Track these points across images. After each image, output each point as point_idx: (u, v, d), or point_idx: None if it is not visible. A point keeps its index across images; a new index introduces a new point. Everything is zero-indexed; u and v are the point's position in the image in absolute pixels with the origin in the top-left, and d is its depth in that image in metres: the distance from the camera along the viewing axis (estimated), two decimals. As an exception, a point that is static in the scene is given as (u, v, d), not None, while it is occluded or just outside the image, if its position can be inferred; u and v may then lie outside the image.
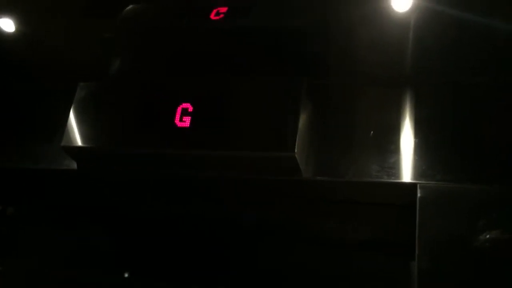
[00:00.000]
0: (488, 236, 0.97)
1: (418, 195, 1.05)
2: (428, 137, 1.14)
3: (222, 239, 1.34)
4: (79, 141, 1.25)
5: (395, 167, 1.12)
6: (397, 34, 1.21)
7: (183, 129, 1.17)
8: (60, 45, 1.45)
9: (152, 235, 1.40)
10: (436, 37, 1.20)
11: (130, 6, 1.42)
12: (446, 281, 0.97)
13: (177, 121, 1.19)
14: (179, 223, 1.40)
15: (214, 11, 1.31)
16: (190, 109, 1.19)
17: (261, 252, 1.30)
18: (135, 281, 1.35)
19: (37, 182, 1.46)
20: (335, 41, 1.27)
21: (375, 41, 1.23)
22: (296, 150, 1.08)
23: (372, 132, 1.18)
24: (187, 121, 1.17)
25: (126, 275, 1.39)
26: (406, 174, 1.10)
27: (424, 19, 1.18)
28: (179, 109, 1.20)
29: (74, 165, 1.32)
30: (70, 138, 1.26)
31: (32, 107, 1.52)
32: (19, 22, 1.46)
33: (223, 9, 1.31)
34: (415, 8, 1.17)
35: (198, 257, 1.33)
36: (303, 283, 1.21)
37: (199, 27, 1.33)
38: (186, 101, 1.20)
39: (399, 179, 1.10)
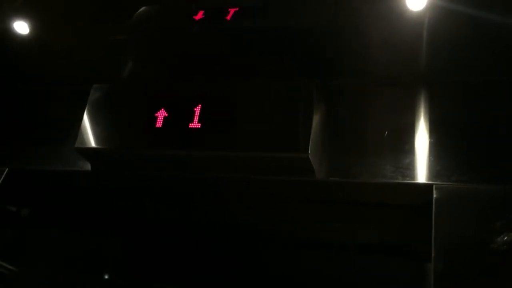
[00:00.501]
0: (505, 238, 0.96)
1: (434, 196, 1.04)
2: (443, 137, 1.13)
3: (231, 242, 1.34)
4: (92, 143, 1.26)
5: (410, 168, 1.11)
6: (410, 33, 1.20)
7: (196, 130, 1.17)
8: (74, 48, 1.46)
9: (165, 239, 1.41)
10: (449, 36, 1.19)
11: (142, 8, 1.43)
12: (463, 283, 0.95)
13: (190, 122, 1.19)
14: (191, 227, 1.40)
15: (226, 12, 1.31)
16: (202, 110, 1.19)
17: (273, 255, 1.29)
18: (143, 285, 1.35)
19: (51, 184, 1.47)
20: (348, 41, 1.27)
21: (388, 40, 1.22)
22: (309, 151, 1.08)
23: (386, 132, 1.17)
24: (200, 123, 1.17)
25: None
26: (421, 175, 1.09)
27: (438, 18, 1.17)
28: (192, 111, 1.20)
29: (88, 166, 1.33)
30: (84, 140, 1.26)
31: (47, 110, 1.53)
32: (34, 25, 1.47)
33: (235, 10, 1.31)
34: (428, 7, 1.16)
35: (209, 261, 1.33)
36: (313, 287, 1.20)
37: (211, 29, 1.33)
38: (198, 103, 1.20)
39: (414, 180, 1.09)
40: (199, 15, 1.34)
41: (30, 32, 1.47)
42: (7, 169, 1.40)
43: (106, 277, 1.42)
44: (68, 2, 1.46)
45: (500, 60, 1.18)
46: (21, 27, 1.46)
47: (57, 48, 1.48)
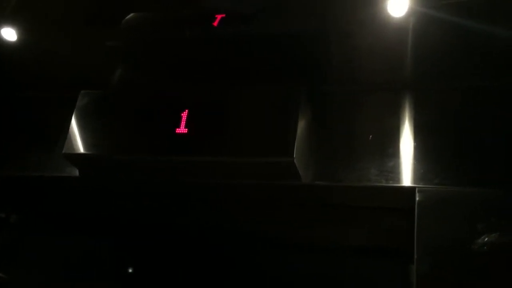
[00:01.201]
0: (486, 240, 0.97)
1: (417, 199, 1.05)
2: (427, 141, 1.15)
3: (221, 246, 1.35)
4: (80, 148, 1.26)
5: (394, 171, 1.12)
6: (396, 39, 1.22)
7: (182, 135, 1.18)
8: (62, 54, 1.47)
9: (152, 243, 1.41)
10: (434, 41, 1.20)
11: (131, 15, 1.44)
12: (445, 285, 0.97)
13: (177, 128, 1.20)
14: (179, 230, 1.41)
15: (213, 18, 1.33)
16: (190, 116, 1.20)
17: (259, 259, 1.30)
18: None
19: (39, 190, 1.47)
20: (334, 48, 1.28)
21: (374, 46, 1.24)
22: (295, 155, 1.09)
23: (370, 136, 1.19)
24: (186, 128, 1.18)
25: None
26: (405, 178, 1.11)
27: (422, 24, 1.19)
28: (179, 116, 1.21)
29: (76, 172, 1.33)
30: (72, 146, 1.27)
31: (34, 115, 1.53)
32: (22, 31, 1.47)
33: (222, 16, 1.32)
34: (412, 13, 1.18)
35: (197, 265, 1.33)
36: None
37: (199, 36, 1.34)
38: (185, 108, 1.21)
39: (398, 183, 1.11)
40: (187, 22, 1.36)
41: (19, 38, 1.48)
42: (-5, 176, 1.40)
43: (96, 282, 1.43)
44: (57, 9, 1.47)
45: (484, 66, 1.21)
46: (10, 33, 1.47)
47: (46, 54, 1.49)
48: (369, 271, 1.17)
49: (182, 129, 1.19)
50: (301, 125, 1.14)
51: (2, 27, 1.47)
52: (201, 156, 1.17)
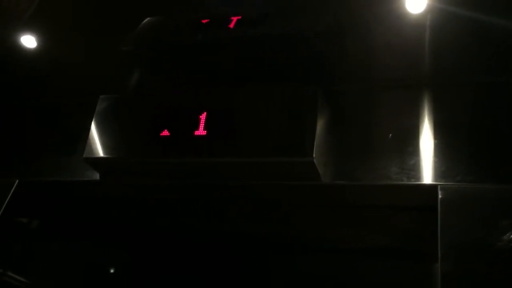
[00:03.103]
0: (511, 237, 0.95)
1: (439, 196, 1.04)
2: (447, 138, 1.13)
3: (242, 249, 1.35)
4: (100, 152, 1.28)
5: (415, 169, 1.11)
6: (413, 35, 1.20)
7: (201, 138, 1.19)
8: (81, 60, 1.48)
9: (174, 248, 1.41)
10: (452, 37, 1.19)
11: (146, 20, 1.45)
12: (471, 284, 0.95)
13: (195, 130, 1.20)
14: (199, 236, 1.41)
15: (229, 20, 1.33)
16: (207, 118, 1.21)
17: (280, 261, 1.30)
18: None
19: (61, 194, 1.49)
20: (351, 46, 1.27)
21: (391, 43, 1.23)
22: (314, 155, 1.08)
23: (390, 134, 1.18)
24: (205, 130, 1.19)
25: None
26: (426, 176, 1.10)
27: (440, 19, 1.17)
28: (197, 119, 1.21)
29: (96, 176, 1.35)
30: (92, 150, 1.28)
31: (55, 121, 1.55)
32: (41, 38, 1.49)
33: (237, 18, 1.32)
34: (430, 9, 1.17)
35: (218, 269, 1.33)
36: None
37: (215, 38, 1.34)
38: (203, 111, 1.22)
39: (419, 181, 1.09)
40: (202, 25, 1.36)
41: (38, 45, 1.50)
42: (17, 180, 1.42)
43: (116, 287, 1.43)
44: (75, 15, 1.49)
45: (503, 61, 1.18)
46: (29, 41, 1.49)
47: (64, 61, 1.51)
48: (391, 272, 1.15)
49: (201, 131, 1.19)
50: (320, 125, 1.14)
51: (22, 35, 1.49)
52: (221, 157, 1.17)
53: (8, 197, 1.38)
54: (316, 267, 1.24)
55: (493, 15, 1.14)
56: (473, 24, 1.15)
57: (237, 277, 1.31)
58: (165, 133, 1.24)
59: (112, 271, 1.47)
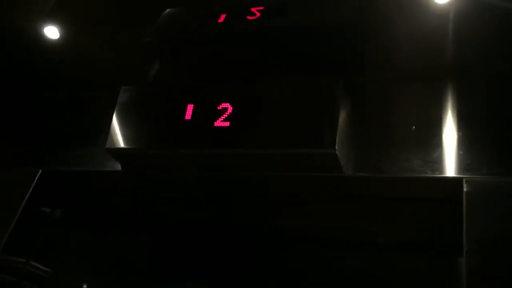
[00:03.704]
0: (538, 231, 0.94)
1: (464, 189, 1.02)
2: (472, 130, 1.12)
3: (263, 241, 1.35)
4: (122, 143, 1.28)
5: (439, 162, 1.09)
6: (436, 25, 1.19)
7: (222, 129, 1.19)
8: (102, 51, 1.50)
9: (194, 239, 1.42)
10: (477, 27, 1.17)
11: (167, 11, 1.45)
12: (497, 277, 0.94)
13: (216, 121, 1.20)
14: (221, 227, 1.41)
15: (249, 11, 1.32)
16: (229, 109, 1.20)
17: (301, 253, 1.29)
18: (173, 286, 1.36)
19: (82, 184, 1.50)
20: (373, 36, 1.26)
21: (414, 33, 1.21)
22: (336, 147, 1.07)
23: (413, 127, 1.16)
24: (228, 122, 1.19)
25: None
26: (451, 169, 1.08)
27: (464, 8, 1.15)
28: (218, 110, 1.21)
29: (118, 167, 1.36)
30: (114, 141, 1.29)
31: (78, 112, 1.56)
32: (64, 29, 1.51)
33: (259, 9, 1.32)
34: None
35: (237, 260, 1.33)
36: (344, 286, 1.19)
37: (235, 30, 1.34)
38: (225, 102, 1.21)
39: (444, 173, 1.08)
40: (223, 16, 1.36)
41: (61, 37, 1.51)
42: (40, 170, 1.43)
43: (138, 277, 1.45)
44: (96, 7, 1.50)
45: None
46: (52, 32, 1.50)
47: (86, 52, 1.52)
48: (415, 266, 1.14)
49: (222, 123, 1.19)
50: (342, 116, 1.13)
51: (44, 26, 1.50)
52: (243, 149, 1.16)
53: (32, 187, 1.39)
54: (338, 260, 1.24)
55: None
56: (498, 13, 1.13)
57: (257, 268, 1.32)
58: (186, 124, 1.23)
59: (133, 261, 1.48)
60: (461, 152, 1.09)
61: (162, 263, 1.44)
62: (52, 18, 1.49)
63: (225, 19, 1.35)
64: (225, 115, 1.20)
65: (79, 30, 1.50)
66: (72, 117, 1.56)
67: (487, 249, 0.95)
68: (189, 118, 1.23)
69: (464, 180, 1.04)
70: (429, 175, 1.08)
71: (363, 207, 1.24)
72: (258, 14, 1.32)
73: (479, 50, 1.18)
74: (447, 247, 1.10)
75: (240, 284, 1.31)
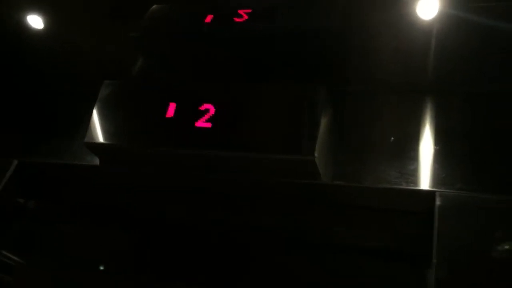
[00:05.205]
0: (506, 247, 0.96)
1: (437, 203, 1.05)
2: (449, 145, 1.14)
3: (238, 242, 1.35)
4: (101, 138, 1.28)
5: (414, 174, 1.12)
6: (420, 41, 1.21)
7: (203, 129, 1.19)
8: (86, 43, 1.48)
9: (171, 236, 1.42)
10: (459, 45, 1.19)
11: (154, 7, 1.44)
12: (463, 290, 0.96)
13: (197, 122, 1.20)
14: (197, 225, 1.41)
15: (236, 14, 1.32)
16: (211, 110, 1.21)
17: (276, 256, 1.30)
18: (147, 281, 1.36)
19: (59, 177, 1.49)
20: (357, 47, 1.28)
21: (397, 48, 1.23)
22: (316, 154, 1.09)
23: (392, 138, 1.18)
24: (210, 123, 1.19)
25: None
26: (425, 182, 1.11)
27: (447, 27, 1.18)
28: (201, 111, 1.21)
29: (96, 161, 1.35)
30: (93, 135, 1.28)
31: (58, 104, 1.55)
32: (46, 22, 1.49)
33: (246, 11, 1.32)
34: (438, 16, 1.17)
35: (214, 260, 1.34)
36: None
37: (222, 31, 1.34)
38: (207, 103, 1.21)
39: (418, 186, 1.10)
40: (210, 16, 1.36)
41: (43, 28, 1.49)
42: (16, 161, 1.42)
43: (112, 271, 1.44)
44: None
45: (508, 71, 1.19)
46: (35, 22, 1.48)
47: (70, 45, 1.50)
48: (385, 273, 1.16)
49: (203, 123, 1.19)
50: (322, 124, 1.14)
51: (27, 17, 1.47)
52: (222, 151, 1.17)
53: (7, 177, 1.37)
54: (310, 265, 1.25)
55: (500, 23, 1.14)
56: (480, 32, 1.16)
57: (232, 268, 1.32)
58: (167, 122, 1.23)
59: (108, 254, 1.47)
60: (436, 166, 1.12)
61: (137, 258, 1.43)
62: (36, 6, 1.47)
63: (212, 20, 1.35)
64: (207, 116, 1.20)
65: (61, 22, 1.48)
66: (52, 109, 1.54)
67: (455, 262, 0.98)
68: (171, 116, 1.23)
69: (437, 193, 1.06)
70: (404, 187, 1.11)
71: (339, 214, 1.25)
72: (245, 17, 1.32)
73: (459, 69, 1.21)
74: (417, 258, 1.12)
75: (216, 282, 1.32)
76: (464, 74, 1.22)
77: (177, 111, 1.23)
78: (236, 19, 1.32)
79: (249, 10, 1.33)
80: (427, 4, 1.18)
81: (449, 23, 1.17)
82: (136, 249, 1.44)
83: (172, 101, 1.25)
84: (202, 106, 1.22)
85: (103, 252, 1.45)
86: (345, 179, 1.16)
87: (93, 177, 1.43)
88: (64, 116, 1.51)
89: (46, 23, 1.49)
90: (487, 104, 1.18)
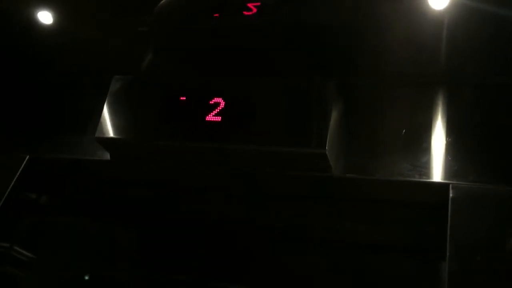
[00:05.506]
0: (521, 239, 0.96)
1: (450, 195, 1.04)
2: (461, 137, 1.13)
3: (247, 236, 1.35)
4: (112, 133, 1.28)
5: (427, 167, 1.11)
6: (431, 32, 1.19)
7: (213, 123, 1.19)
8: (96, 39, 1.48)
9: (180, 231, 1.42)
10: (471, 35, 1.18)
11: (163, 1, 1.44)
12: (477, 283, 0.95)
13: (208, 115, 1.20)
14: (206, 220, 1.41)
15: (245, 7, 1.32)
16: (221, 104, 1.20)
17: (284, 252, 1.30)
18: (158, 276, 1.37)
19: (71, 172, 1.49)
20: (367, 39, 1.26)
21: (408, 39, 1.22)
22: (326, 147, 1.08)
23: (404, 131, 1.17)
24: (219, 116, 1.19)
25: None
26: (438, 174, 1.09)
27: (459, 16, 1.16)
28: (211, 105, 1.21)
29: (107, 156, 1.35)
30: (104, 130, 1.28)
31: (68, 99, 1.55)
32: (56, 16, 1.49)
33: (255, 4, 1.31)
34: (449, 5, 1.15)
35: (222, 255, 1.34)
36: (328, 286, 1.20)
37: (230, 25, 1.33)
38: (217, 97, 1.21)
39: (431, 178, 1.09)
40: (218, 10, 1.35)
41: (53, 23, 1.49)
42: (27, 156, 1.42)
43: (122, 266, 1.44)
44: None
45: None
46: (45, 17, 1.48)
47: (80, 39, 1.50)
48: (398, 268, 1.15)
49: (214, 117, 1.19)
50: (333, 117, 1.13)
51: (37, 11, 1.48)
52: (233, 144, 1.17)
53: (18, 173, 1.38)
54: (322, 260, 1.24)
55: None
56: (492, 24, 1.14)
57: (239, 263, 1.32)
58: (178, 117, 1.23)
59: (118, 250, 1.48)
60: (449, 158, 1.11)
61: (147, 253, 1.43)
62: (44, 1, 1.47)
63: (220, 13, 1.35)
64: (217, 110, 1.20)
65: (72, 17, 1.48)
66: (63, 105, 1.54)
67: (469, 255, 0.97)
68: (181, 110, 1.23)
69: (450, 186, 1.05)
70: (417, 179, 1.10)
71: (351, 208, 1.25)
72: (254, 10, 1.32)
73: (471, 60, 1.19)
74: (431, 251, 1.12)
75: (222, 277, 1.32)
76: (476, 65, 1.21)
77: (187, 105, 1.23)
78: (245, 13, 1.31)
79: (258, 4, 1.31)
80: (439, -6, 1.17)
81: (461, 13, 1.16)
82: (147, 243, 1.44)
83: (182, 95, 1.26)
84: (212, 100, 1.22)
85: (113, 246, 1.46)
86: (357, 172, 1.15)
87: (104, 172, 1.44)
88: (75, 111, 1.51)
89: (54, 18, 1.49)
90: (499, 96, 1.16)
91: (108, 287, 1.42)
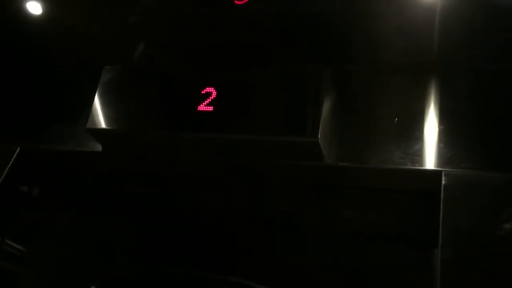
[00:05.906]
0: (513, 226, 0.96)
1: (443, 182, 1.04)
2: (454, 124, 1.13)
3: (241, 226, 1.35)
4: (103, 124, 1.27)
5: (420, 154, 1.11)
6: (424, 20, 1.19)
7: (205, 113, 1.18)
8: (86, 29, 1.46)
9: (174, 223, 1.42)
10: (463, 23, 1.17)
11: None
12: (470, 270, 0.95)
13: (200, 105, 1.19)
14: (200, 210, 1.41)
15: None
16: (214, 93, 1.20)
17: (279, 242, 1.30)
18: (152, 268, 1.37)
19: (62, 163, 1.48)
20: (360, 27, 1.26)
21: (401, 27, 1.21)
22: (319, 136, 1.08)
23: (396, 119, 1.17)
24: (211, 106, 1.18)
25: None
26: (431, 162, 1.09)
27: (451, 4, 1.16)
28: (202, 94, 1.20)
29: (98, 147, 1.34)
30: (95, 121, 1.27)
31: (59, 90, 1.54)
32: (47, 5, 1.47)
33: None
34: (442, -6, 1.15)
35: (217, 245, 1.34)
36: (322, 275, 1.21)
37: (222, 13, 1.33)
38: (209, 87, 1.21)
39: (423, 166, 1.09)
40: (210, -1, 1.34)
41: (44, 14, 1.48)
42: (19, 148, 1.41)
43: (116, 259, 1.44)
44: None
45: (513, 49, 1.17)
46: (35, 7, 1.47)
47: (70, 29, 1.49)
48: (391, 255, 1.16)
49: (206, 107, 1.19)
50: (326, 105, 1.13)
51: (29, 0, 1.46)
52: (225, 134, 1.16)
53: (9, 165, 1.37)
54: (315, 248, 1.25)
55: (505, 2, 1.12)
56: (485, 12, 1.14)
57: (235, 254, 1.32)
58: (169, 107, 1.23)
59: (111, 242, 1.47)
60: (442, 146, 1.11)
61: (140, 245, 1.43)
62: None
63: (212, 3, 1.34)
64: (209, 100, 1.20)
65: (63, 6, 1.47)
66: (54, 95, 1.53)
67: (461, 242, 0.97)
68: (173, 100, 1.22)
69: (443, 173, 1.05)
70: (409, 167, 1.10)
71: (344, 197, 1.25)
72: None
73: (464, 47, 1.19)
74: (424, 239, 1.12)
75: (217, 267, 1.32)
76: (468, 53, 1.21)
77: (178, 95, 1.23)
78: (237, 2, 1.30)
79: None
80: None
81: (453, 1, 1.15)
82: (140, 235, 1.44)
83: (173, 85, 1.25)
84: (203, 89, 1.21)
85: (106, 238, 1.45)
86: (349, 160, 1.15)
87: (96, 163, 1.43)
88: (66, 102, 1.50)
89: (45, 9, 1.47)
90: (492, 83, 1.16)
91: (102, 279, 1.42)
